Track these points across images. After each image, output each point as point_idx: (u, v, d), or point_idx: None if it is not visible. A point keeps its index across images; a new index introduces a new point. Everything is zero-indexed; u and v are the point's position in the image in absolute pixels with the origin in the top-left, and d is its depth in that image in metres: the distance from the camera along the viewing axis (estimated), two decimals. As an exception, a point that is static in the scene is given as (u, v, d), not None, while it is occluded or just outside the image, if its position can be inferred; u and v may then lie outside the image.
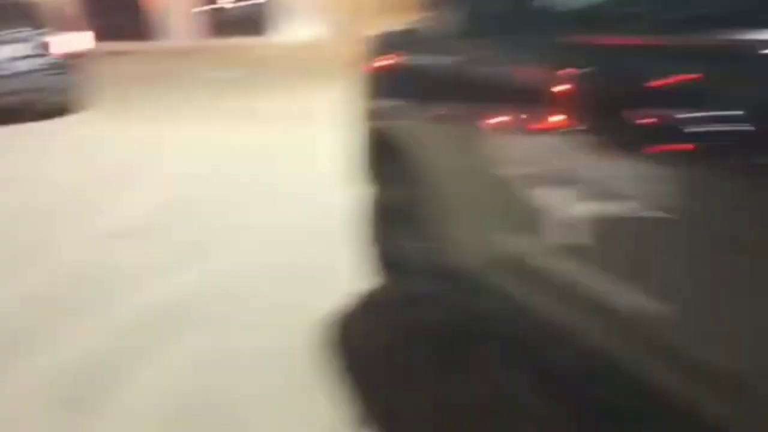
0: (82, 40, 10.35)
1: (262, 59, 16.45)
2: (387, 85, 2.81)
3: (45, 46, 9.43)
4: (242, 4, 21.64)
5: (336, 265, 3.39)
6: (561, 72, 1.79)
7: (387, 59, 2.81)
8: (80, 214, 5.04)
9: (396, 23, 2.83)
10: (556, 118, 1.81)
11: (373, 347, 2.78)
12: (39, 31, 9.46)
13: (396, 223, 2.89)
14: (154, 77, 14.56)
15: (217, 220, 4.64)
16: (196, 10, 22.03)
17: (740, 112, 1.34)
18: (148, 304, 3.30)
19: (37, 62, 9.31)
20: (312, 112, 8.50)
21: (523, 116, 1.98)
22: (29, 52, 9.32)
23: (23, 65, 9.25)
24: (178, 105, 10.29)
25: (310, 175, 5.48)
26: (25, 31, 9.38)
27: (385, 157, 2.82)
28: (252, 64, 15.61)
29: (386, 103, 2.79)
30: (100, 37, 20.25)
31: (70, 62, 9.63)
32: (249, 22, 20.93)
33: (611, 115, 1.63)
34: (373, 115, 2.90)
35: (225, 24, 21.68)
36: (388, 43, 2.86)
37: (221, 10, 22.01)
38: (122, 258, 4.01)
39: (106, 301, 3.39)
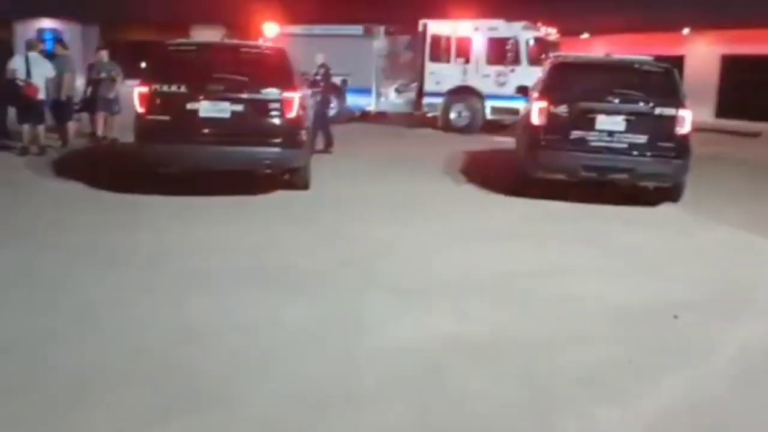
0: (691, 117, 8.49)
1: None
2: None
3: (663, 122, 8.17)
4: None
5: None
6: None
7: None
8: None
9: None
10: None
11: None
12: (658, 103, 8.20)
13: None
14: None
15: None
16: None
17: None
18: None
19: (646, 139, 8.13)
20: None
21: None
22: (643, 126, 8.15)
23: (630, 140, 8.16)
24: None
25: None
26: (646, 103, 8.26)
27: None
28: None
29: None
30: (723, 113, 18.53)
31: (685, 143, 8.20)
32: None
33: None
34: None
35: None
36: None
37: None
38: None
39: None
